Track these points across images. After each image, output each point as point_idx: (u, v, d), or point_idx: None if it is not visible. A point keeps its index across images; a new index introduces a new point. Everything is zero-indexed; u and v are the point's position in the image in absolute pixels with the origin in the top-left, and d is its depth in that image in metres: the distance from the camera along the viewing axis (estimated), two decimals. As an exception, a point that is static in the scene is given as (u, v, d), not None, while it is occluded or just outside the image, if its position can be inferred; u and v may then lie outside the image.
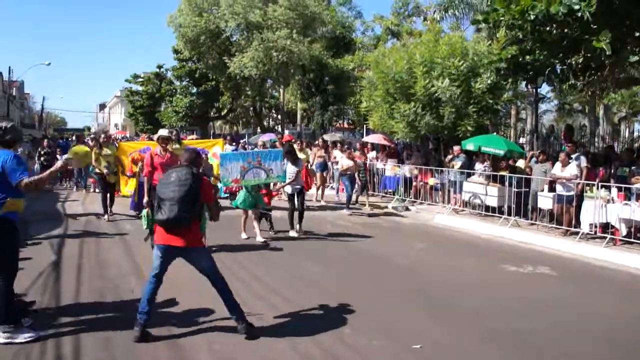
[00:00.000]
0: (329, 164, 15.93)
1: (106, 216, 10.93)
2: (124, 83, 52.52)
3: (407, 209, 13.60)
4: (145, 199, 7.79)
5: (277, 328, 5.07)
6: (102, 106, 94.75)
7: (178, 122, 36.59)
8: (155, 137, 8.07)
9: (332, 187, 16.02)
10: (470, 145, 12.63)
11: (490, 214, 11.73)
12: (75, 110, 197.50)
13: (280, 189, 10.21)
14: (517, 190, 11.07)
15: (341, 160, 13.66)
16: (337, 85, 27.66)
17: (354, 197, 13.67)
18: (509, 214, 11.21)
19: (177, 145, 12.62)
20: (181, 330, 4.91)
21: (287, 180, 9.53)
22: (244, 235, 9.11)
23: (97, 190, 14.59)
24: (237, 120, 48.71)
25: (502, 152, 12.03)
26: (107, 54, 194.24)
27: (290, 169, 9.55)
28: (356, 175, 13.45)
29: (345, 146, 16.50)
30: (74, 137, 21.05)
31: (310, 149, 16.35)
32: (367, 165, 14.95)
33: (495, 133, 14.06)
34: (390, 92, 14.76)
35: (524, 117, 29.76)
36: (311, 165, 14.52)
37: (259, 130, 37.41)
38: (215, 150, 13.90)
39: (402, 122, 14.39)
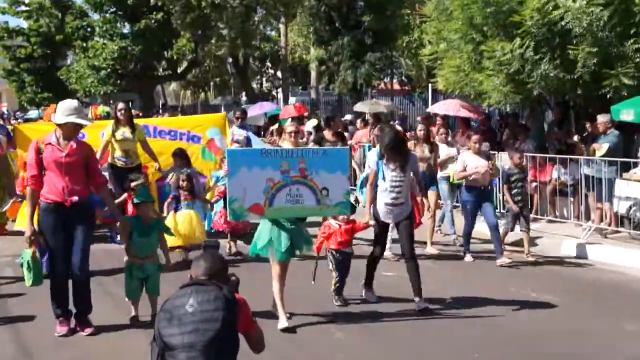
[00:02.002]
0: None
1: None
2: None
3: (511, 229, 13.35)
4: (28, 230, 7.39)
5: None
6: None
7: (99, 87, 36.44)
8: (63, 109, 7.37)
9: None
10: (628, 113, 12.47)
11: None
12: None
13: (369, 219, 9.04)
14: None
15: (463, 157, 12.04)
16: (381, 17, 27.50)
17: (501, 230, 12.01)
18: None
19: (129, 134, 11.74)
20: None
21: (384, 197, 8.73)
22: (282, 322, 7.89)
23: None
24: (204, 81, 48.61)
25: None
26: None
27: (392, 176, 8.71)
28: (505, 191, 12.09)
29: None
30: None
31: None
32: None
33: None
34: (476, 23, 14.76)
35: None
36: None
37: (243, 97, 37.40)
38: (212, 135, 13.30)
39: (499, 77, 14.35)
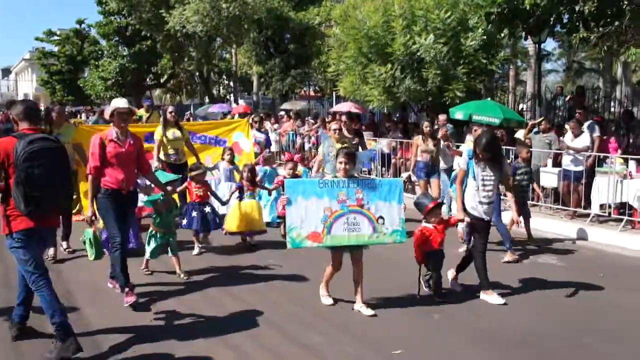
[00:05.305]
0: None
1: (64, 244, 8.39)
2: (34, 42, 52.16)
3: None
4: (89, 212, 6.21)
5: None
6: (6, 72, 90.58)
7: (106, 92, 35.99)
8: (112, 107, 6.25)
9: None
10: (459, 114, 12.49)
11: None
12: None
13: (464, 215, 6.60)
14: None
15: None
16: (301, 45, 27.35)
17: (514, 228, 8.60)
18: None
19: (179, 134, 9.70)
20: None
21: (477, 196, 6.48)
22: (326, 300, 6.30)
23: None
24: (179, 88, 48.22)
25: (497, 121, 11.91)
26: (11, 3, 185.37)
27: (483, 175, 6.47)
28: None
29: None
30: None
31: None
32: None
33: (489, 99, 13.99)
34: (363, 51, 14.78)
35: (525, 80, 29.84)
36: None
37: (206, 99, 37.12)
38: (237, 139, 11.23)
39: (378, 88, 14.47)
